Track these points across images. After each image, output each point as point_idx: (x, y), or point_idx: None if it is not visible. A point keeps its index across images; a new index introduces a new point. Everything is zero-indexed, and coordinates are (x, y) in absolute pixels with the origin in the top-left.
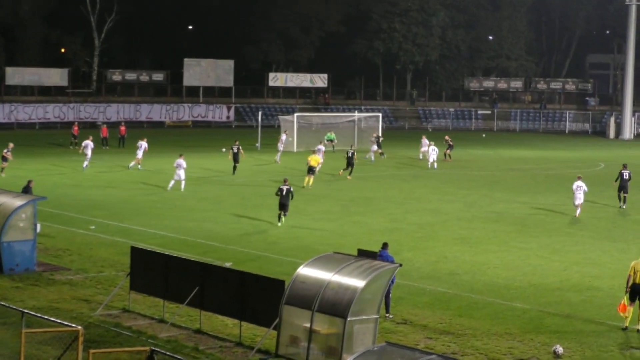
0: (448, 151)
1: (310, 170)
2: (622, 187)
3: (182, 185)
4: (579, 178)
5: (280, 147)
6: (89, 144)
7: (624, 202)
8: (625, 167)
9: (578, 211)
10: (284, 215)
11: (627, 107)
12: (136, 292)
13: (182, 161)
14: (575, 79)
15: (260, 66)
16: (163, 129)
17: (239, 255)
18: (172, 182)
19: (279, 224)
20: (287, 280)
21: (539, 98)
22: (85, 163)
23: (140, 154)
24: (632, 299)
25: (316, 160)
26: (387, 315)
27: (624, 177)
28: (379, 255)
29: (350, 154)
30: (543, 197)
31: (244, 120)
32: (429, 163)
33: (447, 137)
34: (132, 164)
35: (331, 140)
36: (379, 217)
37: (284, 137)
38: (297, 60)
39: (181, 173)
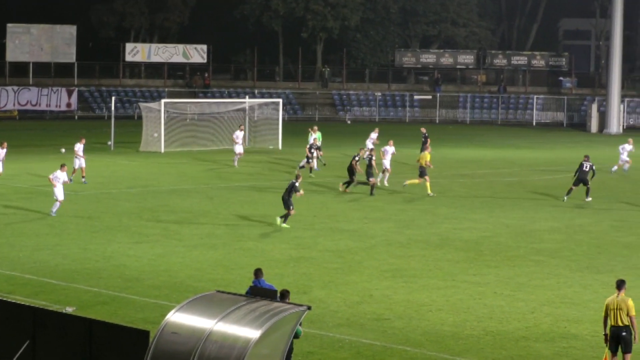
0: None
1: (423, 171)
2: (582, 179)
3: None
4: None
5: (238, 148)
6: None
7: (587, 194)
8: (587, 158)
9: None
10: (288, 213)
11: (614, 91)
12: None
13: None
14: (545, 53)
15: (114, 34)
16: None
17: (86, 297)
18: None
19: (281, 224)
20: (152, 331)
21: (496, 78)
22: None
23: None
24: (613, 349)
25: (425, 157)
26: None
27: (584, 168)
28: (254, 286)
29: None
30: (503, 213)
31: (91, 109)
32: (382, 177)
33: (423, 130)
34: None
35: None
36: (281, 242)
37: (239, 133)
38: (165, 27)
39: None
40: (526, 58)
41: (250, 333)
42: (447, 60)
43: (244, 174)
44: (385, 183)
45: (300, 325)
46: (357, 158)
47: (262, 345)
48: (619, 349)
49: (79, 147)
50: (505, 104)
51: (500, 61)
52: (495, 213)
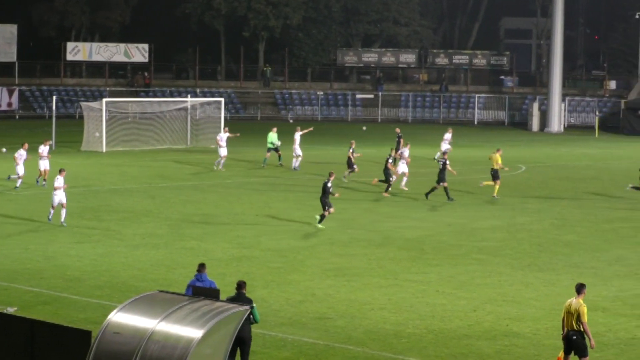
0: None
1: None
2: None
3: None
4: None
5: (222, 151)
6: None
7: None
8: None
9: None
10: (322, 214)
11: (555, 90)
12: None
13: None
14: (486, 52)
15: (55, 33)
16: None
17: (27, 297)
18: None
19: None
20: (94, 331)
21: (438, 77)
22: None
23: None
24: (566, 350)
25: (497, 159)
26: None
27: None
28: (196, 280)
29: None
30: (445, 212)
31: (32, 108)
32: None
33: (397, 130)
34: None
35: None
36: (223, 241)
37: (224, 135)
38: (107, 26)
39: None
40: (468, 57)
41: (193, 333)
42: (389, 59)
43: (186, 173)
44: (404, 187)
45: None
46: (390, 160)
47: (204, 344)
48: (572, 352)
49: (43, 149)
50: (447, 102)
51: (442, 60)
52: (437, 212)
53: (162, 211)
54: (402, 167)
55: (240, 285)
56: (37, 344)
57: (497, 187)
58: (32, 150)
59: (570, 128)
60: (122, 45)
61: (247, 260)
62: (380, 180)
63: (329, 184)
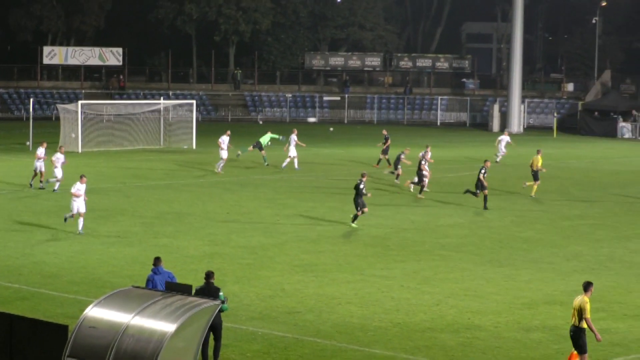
0: (384, 156)
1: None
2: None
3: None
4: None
5: (224, 153)
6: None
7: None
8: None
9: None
10: (356, 214)
11: (515, 92)
12: None
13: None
14: (448, 55)
15: (32, 37)
16: None
17: (6, 293)
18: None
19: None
20: (71, 325)
21: (402, 80)
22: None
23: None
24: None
25: (538, 161)
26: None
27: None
28: (153, 274)
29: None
30: (409, 210)
31: (9, 110)
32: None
33: (384, 132)
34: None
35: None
36: (195, 239)
37: (225, 138)
38: (82, 30)
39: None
40: (431, 60)
41: (166, 327)
42: (355, 62)
43: (160, 173)
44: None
45: (226, 301)
46: (423, 162)
47: (177, 338)
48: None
49: (41, 150)
50: (411, 104)
51: (405, 63)
52: (401, 209)
53: (137, 210)
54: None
55: (209, 275)
56: (16, 338)
57: (535, 187)
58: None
59: (529, 129)
60: (96, 49)
61: (218, 256)
62: (412, 182)
63: (361, 185)
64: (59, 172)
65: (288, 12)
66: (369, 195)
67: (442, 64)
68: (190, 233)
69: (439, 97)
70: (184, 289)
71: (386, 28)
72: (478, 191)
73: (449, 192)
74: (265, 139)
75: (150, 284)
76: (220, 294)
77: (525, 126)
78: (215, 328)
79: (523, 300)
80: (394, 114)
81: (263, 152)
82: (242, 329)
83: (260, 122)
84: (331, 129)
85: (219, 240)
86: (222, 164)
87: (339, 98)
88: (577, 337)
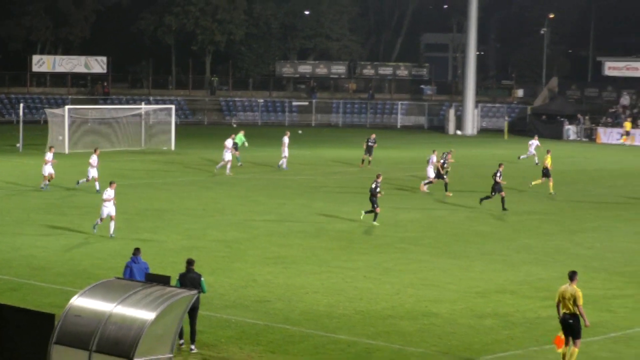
0: (368, 157)
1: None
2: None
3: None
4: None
5: (227, 155)
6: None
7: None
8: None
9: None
10: (371, 212)
11: (469, 97)
12: None
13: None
14: (408, 64)
15: (22, 47)
16: None
17: None
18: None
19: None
20: (57, 314)
21: (365, 86)
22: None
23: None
24: (566, 333)
25: (548, 160)
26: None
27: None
28: (132, 262)
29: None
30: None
31: (1, 114)
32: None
33: (373, 136)
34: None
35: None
36: (174, 233)
37: (230, 141)
38: (69, 40)
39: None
40: (392, 68)
41: (146, 315)
42: (322, 70)
43: (141, 172)
44: (425, 189)
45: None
46: (445, 164)
47: (157, 325)
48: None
49: (49, 155)
50: (373, 109)
51: (369, 71)
52: (365, 206)
53: (119, 206)
54: (430, 172)
55: (190, 262)
56: (6, 326)
57: (551, 183)
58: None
59: (482, 131)
60: (82, 58)
61: (195, 250)
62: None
63: (373, 185)
64: (94, 172)
65: (260, 23)
66: (382, 193)
67: (402, 72)
68: (169, 228)
69: (399, 102)
70: (163, 280)
71: (351, 38)
72: (494, 193)
73: (408, 188)
74: (239, 139)
75: (128, 270)
76: (202, 279)
77: (478, 129)
78: (194, 308)
79: (476, 289)
80: (357, 117)
81: (237, 152)
82: (217, 316)
83: (234, 125)
84: (300, 131)
85: (195, 234)
86: (227, 165)
87: (307, 103)
88: (577, 323)
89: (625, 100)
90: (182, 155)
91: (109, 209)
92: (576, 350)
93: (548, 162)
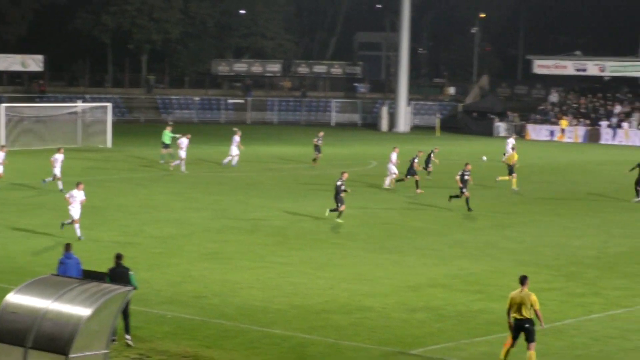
0: (317, 155)
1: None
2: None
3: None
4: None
5: (182, 153)
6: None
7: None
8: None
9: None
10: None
11: (402, 95)
12: None
13: None
14: (342, 62)
15: None
16: None
17: None
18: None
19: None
20: None
21: (300, 84)
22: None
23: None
24: (515, 337)
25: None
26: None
27: None
28: (66, 258)
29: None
30: (307, 202)
31: None
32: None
33: (320, 134)
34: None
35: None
36: (109, 230)
37: (185, 140)
38: (4, 39)
39: None
40: (326, 67)
41: (82, 311)
42: (257, 68)
43: (77, 170)
44: (386, 185)
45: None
46: (429, 163)
47: (92, 322)
48: (520, 338)
49: (1, 155)
50: (308, 107)
51: (303, 69)
52: (299, 202)
53: (55, 204)
54: (392, 168)
55: (119, 257)
56: None
57: (514, 180)
58: None
59: (415, 128)
60: (18, 56)
61: (131, 246)
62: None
63: (339, 183)
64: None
65: (196, 22)
66: (349, 190)
67: (337, 70)
68: (105, 225)
69: (333, 100)
70: (99, 277)
71: (286, 37)
72: (464, 190)
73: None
74: (166, 137)
75: (62, 266)
76: (131, 272)
77: (411, 126)
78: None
79: (409, 283)
80: (292, 115)
81: (165, 150)
82: (153, 312)
83: (170, 123)
84: (235, 129)
85: (132, 231)
86: (177, 163)
87: (242, 101)
88: (532, 326)
89: (554, 97)
90: (119, 153)
91: (74, 210)
92: (533, 353)
93: (513, 159)
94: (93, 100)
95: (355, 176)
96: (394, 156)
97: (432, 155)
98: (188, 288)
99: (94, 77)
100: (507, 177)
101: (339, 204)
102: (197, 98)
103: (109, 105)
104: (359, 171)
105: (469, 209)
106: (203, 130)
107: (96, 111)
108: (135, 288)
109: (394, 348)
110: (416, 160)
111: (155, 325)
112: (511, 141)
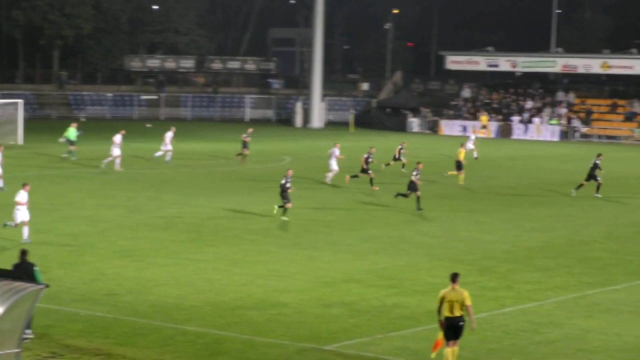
0: (245, 151)
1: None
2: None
3: None
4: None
5: (115, 151)
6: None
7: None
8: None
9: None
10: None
11: (316, 91)
12: None
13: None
14: (256, 58)
15: None
16: None
17: None
18: None
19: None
20: None
21: (213, 80)
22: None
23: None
24: (450, 337)
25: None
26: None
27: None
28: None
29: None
30: (221, 199)
31: None
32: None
33: (249, 130)
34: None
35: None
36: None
37: (118, 137)
38: None
39: None
40: (240, 62)
41: None
42: (170, 64)
43: None
44: (328, 181)
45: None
46: (400, 157)
47: (4, 320)
48: (456, 340)
49: None
50: (222, 103)
51: (217, 65)
52: (214, 198)
53: None
54: (332, 164)
55: (23, 253)
56: None
57: (461, 176)
58: None
59: (329, 124)
60: None
61: (43, 244)
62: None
63: (283, 181)
64: None
65: (109, 18)
66: (291, 190)
67: (250, 66)
68: None
69: (247, 96)
70: (10, 275)
71: (199, 33)
72: (410, 192)
73: (256, 181)
74: (71, 134)
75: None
76: (35, 268)
77: (325, 122)
78: None
79: (324, 279)
80: (206, 111)
81: (73, 147)
82: (65, 310)
83: (83, 120)
84: (148, 125)
85: (43, 228)
86: (109, 160)
87: (156, 97)
88: (464, 325)
89: (466, 93)
90: (30, 150)
91: (22, 212)
92: (457, 349)
93: (462, 155)
94: (4, 96)
95: (271, 172)
96: (336, 151)
97: (401, 149)
98: (101, 286)
99: (4, 73)
100: (455, 172)
101: (285, 201)
102: (109, 94)
103: (20, 101)
104: (272, 167)
105: (419, 209)
106: (116, 127)
107: (7, 107)
108: (46, 286)
109: (309, 344)
110: (370, 159)
111: (67, 323)
112: (472, 137)
